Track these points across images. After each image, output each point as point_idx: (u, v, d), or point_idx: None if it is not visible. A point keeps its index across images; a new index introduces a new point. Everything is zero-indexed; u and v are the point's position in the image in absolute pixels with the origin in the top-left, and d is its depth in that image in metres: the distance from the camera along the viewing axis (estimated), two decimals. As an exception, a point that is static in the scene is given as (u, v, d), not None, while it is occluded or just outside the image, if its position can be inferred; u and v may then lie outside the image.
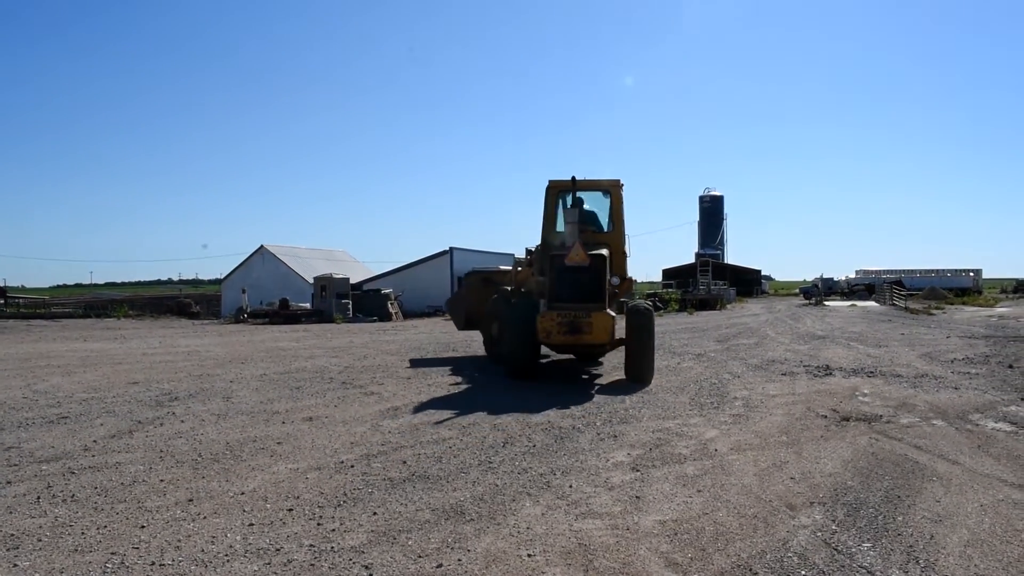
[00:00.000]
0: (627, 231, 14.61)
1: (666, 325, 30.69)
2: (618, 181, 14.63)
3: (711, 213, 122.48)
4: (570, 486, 6.17)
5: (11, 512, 5.48)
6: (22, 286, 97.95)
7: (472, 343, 20.64)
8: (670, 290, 63.48)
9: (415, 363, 15.59)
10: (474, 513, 5.45)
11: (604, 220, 14.97)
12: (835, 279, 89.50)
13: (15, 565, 4.47)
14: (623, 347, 12.80)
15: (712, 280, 62.38)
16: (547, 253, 13.54)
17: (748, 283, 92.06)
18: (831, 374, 13.26)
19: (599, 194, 14.97)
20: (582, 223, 13.76)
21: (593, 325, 12.21)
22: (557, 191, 14.47)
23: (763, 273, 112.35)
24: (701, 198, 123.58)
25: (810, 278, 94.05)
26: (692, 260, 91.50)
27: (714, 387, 11.68)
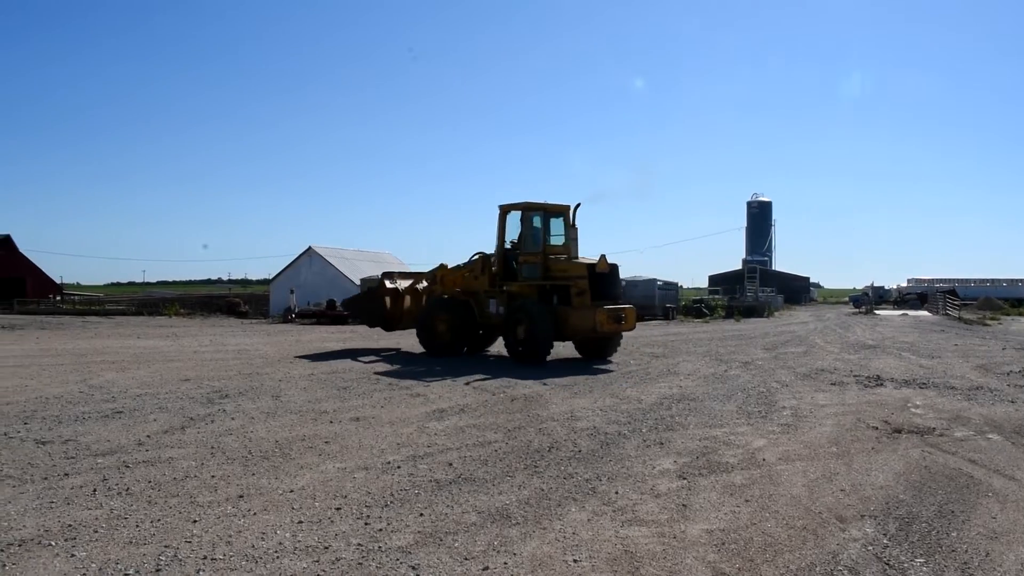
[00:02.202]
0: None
1: (712, 332, 30.47)
2: (569, 205, 17.93)
3: (759, 219, 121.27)
4: (616, 492, 6.15)
5: (69, 503, 5.62)
6: (77, 283, 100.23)
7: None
8: (716, 297, 62.86)
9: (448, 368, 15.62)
10: (520, 517, 5.46)
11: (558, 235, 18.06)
12: (886, 287, 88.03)
13: (72, 555, 4.58)
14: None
15: (759, 287, 61.76)
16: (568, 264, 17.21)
17: (796, 291, 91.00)
18: (882, 385, 13.04)
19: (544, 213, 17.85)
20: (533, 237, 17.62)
21: (628, 317, 17.23)
22: (506, 211, 17.87)
23: (811, 280, 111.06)
24: (749, 203, 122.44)
25: (860, 286, 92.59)
26: (739, 266, 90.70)
27: (762, 396, 11.57)
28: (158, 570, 4.37)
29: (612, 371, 14.88)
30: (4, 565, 4.41)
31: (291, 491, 6.01)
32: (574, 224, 17.53)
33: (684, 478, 6.64)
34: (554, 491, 6.16)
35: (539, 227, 17.66)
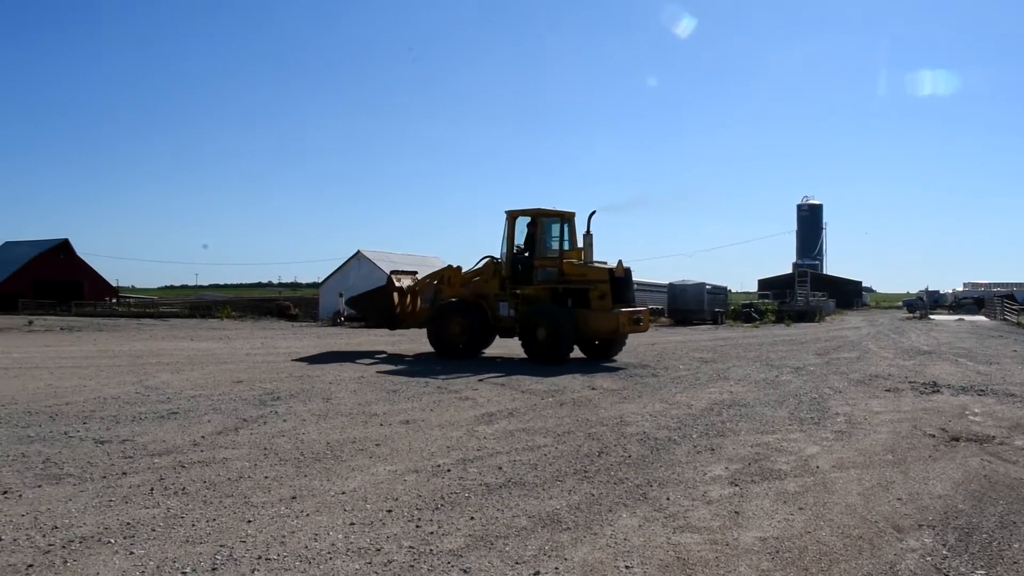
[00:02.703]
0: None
1: (762, 337, 30.11)
2: (574, 212, 18.90)
3: (809, 222, 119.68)
4: (667, 498, 6.10)
5: (127, 502, 5.74)
6: (132, 286, 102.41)
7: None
8: (766, 301, 62.13)
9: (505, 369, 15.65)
10: (571, 522, 5.44)
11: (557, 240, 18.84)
12: (941, 292, 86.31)
13: (131, 553, 4.67)
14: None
15: (810, 291, 60.88)
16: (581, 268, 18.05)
17: (848, 295, 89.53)
18: (938, 391, 12.77)
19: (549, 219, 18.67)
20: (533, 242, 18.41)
21: (644, 319, 18.47)
22: (515, 216, 18.51)
23: (864, 285, 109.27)
24: (799, 207, 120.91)
25: (914, 290, 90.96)
26: (789, 270, 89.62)
27: (814, 402, 11.40)
28: (214, 569, 4.44)
29: (659, 375, 14.76)
30: (66, 561, 4.50)
31: (343, 493, 6.07)
32: (589, 231, 18.43)
33: (736, 485, 6.57)
34: (604, 496, 6.13)
35: (556, 233, 18.73)
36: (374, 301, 20.74)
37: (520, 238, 18.75)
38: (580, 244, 18.60)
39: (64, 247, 67.71)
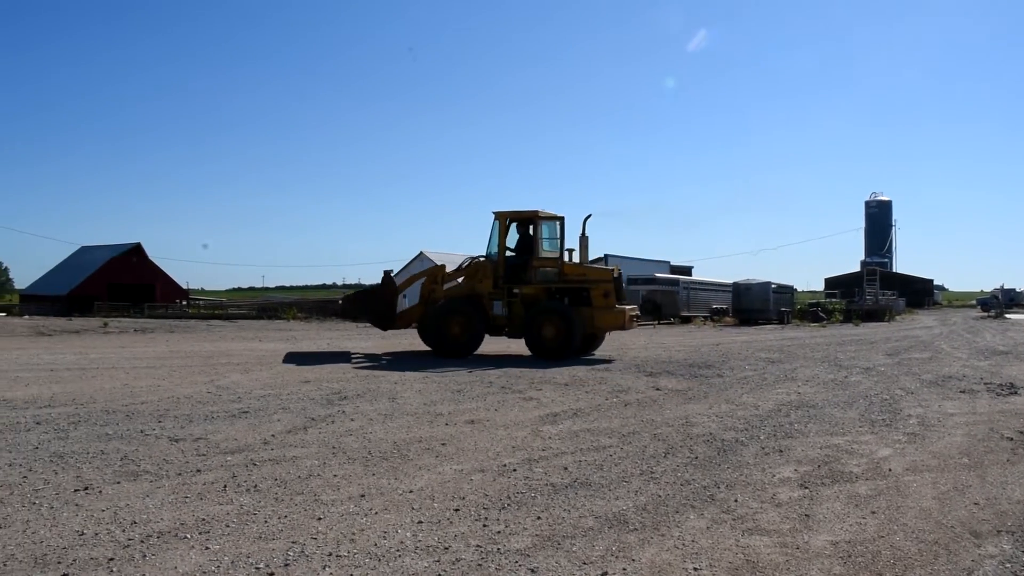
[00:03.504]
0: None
1: (830, 336, 29.57)
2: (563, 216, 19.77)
3: (878, 219, 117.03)
4: (735, 500, 6.03)
5: (202, 498, 5.88)
6: (202, 288, 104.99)
7: (627, 350, 20.57)
8: (833, 300, 60.96)
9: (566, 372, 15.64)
10: (637, 523, 5.42)
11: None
12: (1017, 290, 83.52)
13: (207, 548, 4.79)
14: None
15: (879, 290, 59.52)
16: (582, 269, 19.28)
17: (918, 293, 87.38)
18: (1016, 393, 12.38)
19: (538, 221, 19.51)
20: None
21: (636, 316, 20.06)
22: (511, 219, 19.37)
23: (935, 283, 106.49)
24: (867, 203, 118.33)
25: (988, 288, 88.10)
26: (857, 269, 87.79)
27: (885, 403, 11.15)
28: (287, 565, 4.52)
29: (725, 376, 14.58)
30: (144, 555, 4.64)
31: (410, 491, 6.13)
32: (585, 233, 19.59)
33: (806, 487, 6.46)
34: (671, 497, 6.09)
35: (554, 235, 19.65)
36: (374, 301, 20.75)
37: (510, 239, 19.50)
38: (570, 246, 19.68)
39: (137, 251, 69.67)
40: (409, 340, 23.27)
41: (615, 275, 19.20)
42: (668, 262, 58.81)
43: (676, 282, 51.36)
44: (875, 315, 50.88)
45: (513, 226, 19.55)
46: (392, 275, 20.91)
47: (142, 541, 4.89)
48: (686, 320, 47.73)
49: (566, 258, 19.33)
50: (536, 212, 19.32)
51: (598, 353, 19.73)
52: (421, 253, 62.82)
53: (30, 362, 16.68)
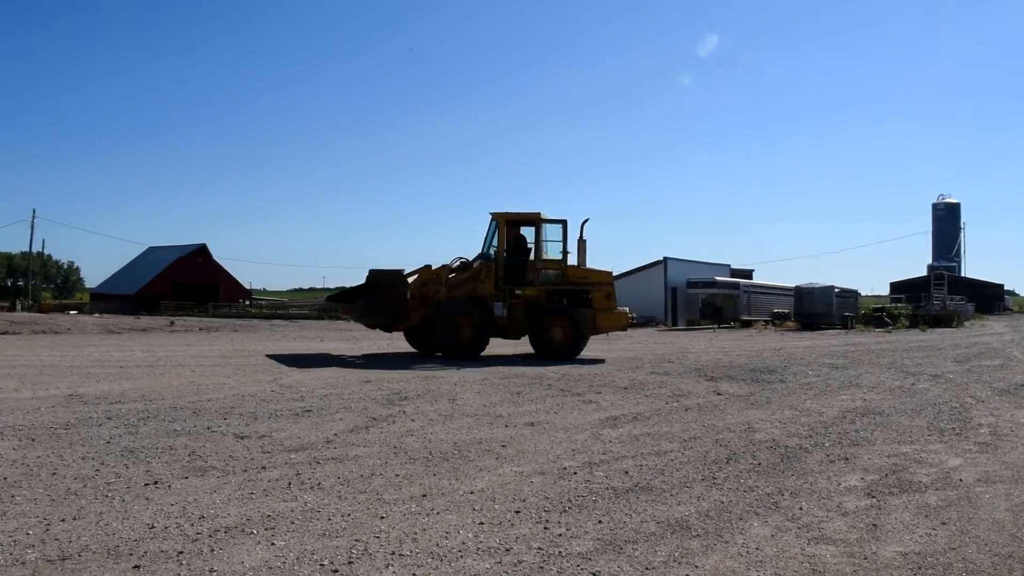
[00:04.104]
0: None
1: (895, 342, 28.93)
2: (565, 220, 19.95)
3: (946, 222, 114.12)
4: (800, 508, 5.93)
5: (267, 495, 5.98)
6: (264, 289, 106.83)
7: (687, 354, 20.39)
8: (899, 305, 59.61)
9: (628, 373, 15.56)
10: (700, 529, 5.36)
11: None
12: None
13: (272, 544, 4.87)
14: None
15: (947, 295, 58.04)
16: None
17: (988, 299, 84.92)
18: (1094, 403, 11.95)
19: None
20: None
21: (634, 318, 22.13)
22: (513, 221, 19.67)
23: (1006, 288, 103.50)
24: (934, 206, 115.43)
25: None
26: (924, 273, 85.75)
27: (955, 411, 10.85)
28: (350, 562, 4.57)
29: (787, 381, 14.35)
30: (212, 550, 4.73)
31: (471, 492, 6.16)
32: (583, 236, 19.80)
33: (873, 496, 6.32)
34: (734, 504, 6.01)
35: (559, 238, 19.82)
36: (387, 300, 19.19)
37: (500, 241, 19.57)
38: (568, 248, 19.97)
39: (202, 251, 71.32)
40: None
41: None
42: (728, 265, 58.03)
43: (737, 286, 50.77)
44: (943, 321, 49.58)
45: (507, 228, 19.67)
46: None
47: (210, 535, 4.99)
48: (747, 324, 47.15)
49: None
50: (539, 214, 19.73)
51: (586, 353, 19.86)
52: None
53: (101, 359, 17.17)
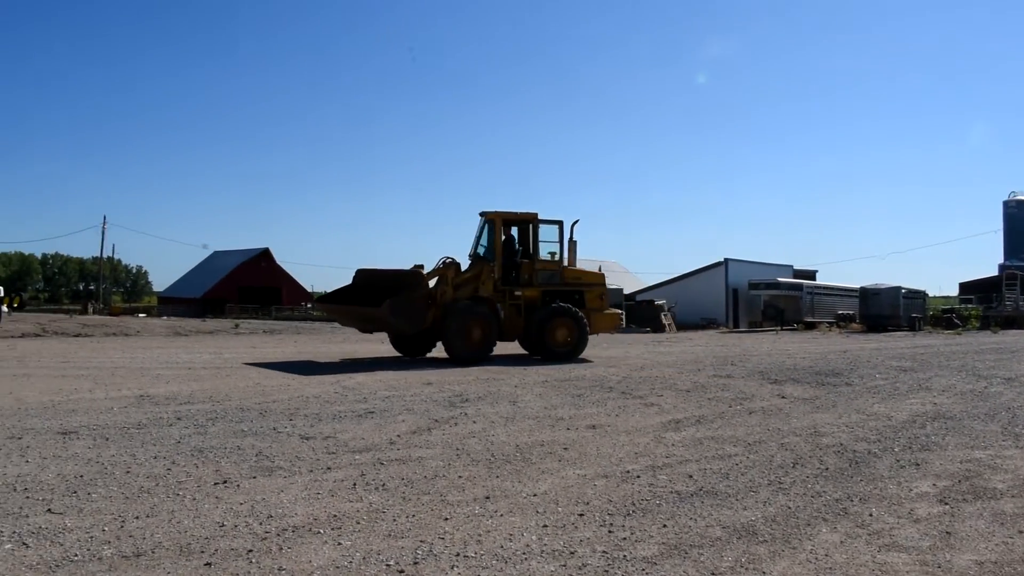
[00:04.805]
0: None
1: (966, 344, 28.14)
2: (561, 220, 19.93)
3: (1017, 220, 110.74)
4: (870, 514, 5.80)
5: (333, 495, 6.07)
6: (325, 291, 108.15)
7: (750, 357, 20.12)
8: (969, 306, 57.95)
9: (691, 375, 15.42)
10: (767, 535, 5.28)
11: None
12: None
13: (339, 543, 4.93)
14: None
15: (1020, 295, 56.24)
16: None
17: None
18: None
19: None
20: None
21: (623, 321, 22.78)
22: (507, 221, 19.53)
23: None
24: (1005, 203, 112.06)
25: None
26: (995, 272, 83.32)
27: (1031, 416, 10.52)
28: (416, 563, 4.61)
29: (853, 384, 14.05)
30: (281, 548, 4.81)
31: (534, 495, 6.16)
32: (573, 237, 19.73)
33: (945, 503, 6.16)
34: (802, 509, 5.90)
35: (555, 239, 19.72)
36: (412, 302, 17.58)
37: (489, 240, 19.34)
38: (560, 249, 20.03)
39: (265, 255, 72.67)
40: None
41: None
42: (791, 266, 57.12)
43: (800, 287, 49.94)
44: (1016, 322, 48.08)
45: (502, 227, 19.48)
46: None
47: (278, 534, 5.07)
48: (810, 326, 46.36)
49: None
50: (535, 214, 19.58)
51: (590, 354, 19.97)
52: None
53: (169, 360, 17.61)
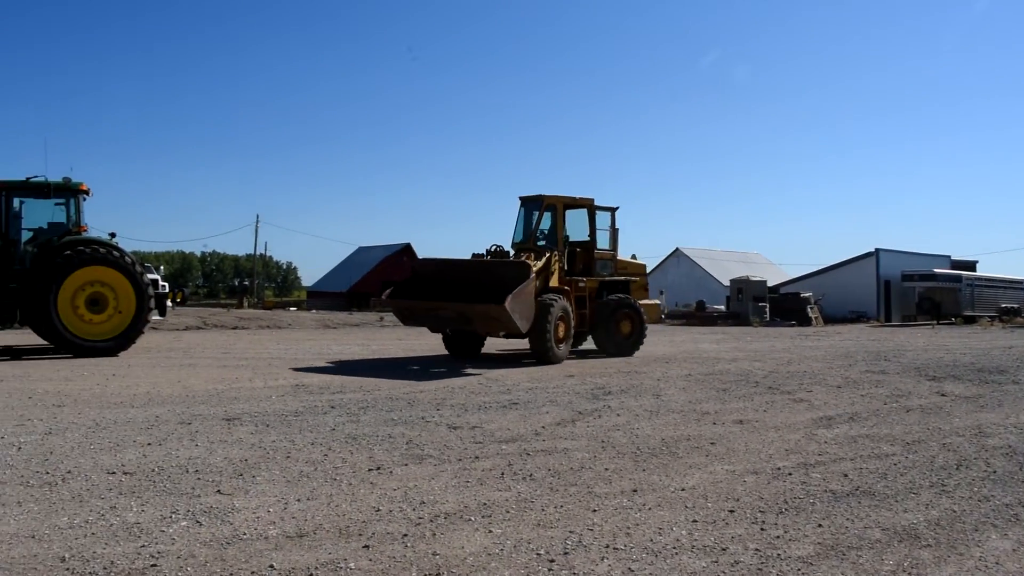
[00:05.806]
0: None
1: None
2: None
3: None
4: (1045, 521, 5.45)
5: (481, 484, 6.19)
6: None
7: (904, 352, 19.22)
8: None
9: (842, 371, 14.86)
10: (931, 539, 5.04)
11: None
12: None
13: (490, 531, 5.03)
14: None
15: None
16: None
17: None
18: None
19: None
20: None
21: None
22: (565, 205, 17.78)
23: None
24: None
25: None
26: None
27: None
28: (566, 553, 4.65)
29: (1021, 383, 13.19)
30: (434, 534, 4.95)
31: (682, 489, 6.10)
32: (615, 225, 18.66)
33: None
34: (968, 513, 5.60)
35: (607, 226, 18.55)
36: (527, 299, 15.12)
37: (545, 225, 17.68)
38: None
39: (407, 250, 74.53)
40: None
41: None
42: (948, 256, 54.07)
43: (958, 278, 47.21)
44: None
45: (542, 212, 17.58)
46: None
47: (431, 520, 5.22)
48: (970, 320, 43.80)
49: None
50: (591, 200, 18.15)
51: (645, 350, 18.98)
52: (677, 249, 62.25)
53: (321, 352, 18.37)
